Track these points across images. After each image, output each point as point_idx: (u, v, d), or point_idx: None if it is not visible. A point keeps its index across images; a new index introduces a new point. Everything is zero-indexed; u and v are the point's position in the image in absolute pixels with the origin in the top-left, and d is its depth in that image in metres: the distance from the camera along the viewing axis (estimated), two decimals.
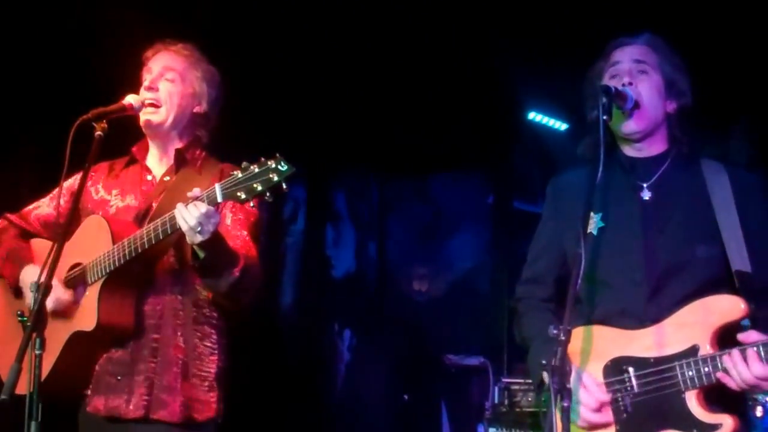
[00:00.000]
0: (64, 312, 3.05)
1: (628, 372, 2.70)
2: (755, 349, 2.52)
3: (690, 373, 2.60)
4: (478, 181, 7.45)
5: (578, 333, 2.75)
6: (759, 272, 2.70)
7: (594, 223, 2.84)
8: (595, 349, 2.76)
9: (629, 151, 2.91)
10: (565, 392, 2.39)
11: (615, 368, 2.72)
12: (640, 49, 2.90)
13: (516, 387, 5.19)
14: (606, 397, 2.71)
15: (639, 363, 2.69)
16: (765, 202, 2.81)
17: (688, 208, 2.81)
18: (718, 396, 2.62)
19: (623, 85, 2.81)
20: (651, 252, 2.77)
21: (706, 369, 2.58)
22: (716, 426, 2.58)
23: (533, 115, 6.68)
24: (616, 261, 2.80)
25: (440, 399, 6.93)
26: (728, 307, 2.62)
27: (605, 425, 2.71)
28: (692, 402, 2.61)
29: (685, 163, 2.87)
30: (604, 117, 2.69)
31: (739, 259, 2.71)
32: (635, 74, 2.85)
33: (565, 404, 2.38)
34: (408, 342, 7.13)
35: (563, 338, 2.44)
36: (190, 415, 3.01)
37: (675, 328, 2.67)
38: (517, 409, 5.15)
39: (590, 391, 2.70)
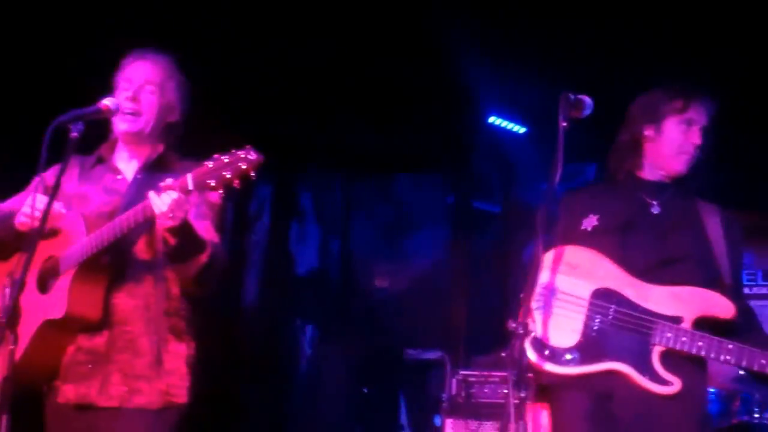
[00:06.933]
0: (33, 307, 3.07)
1: (613, 304, 3.02)
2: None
3: (669, 334, 2.97)
4: (439, 182, 7.56)
5: (584, 251, 3.11)
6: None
7: (591, 222, 3.19)
8: (594, 272, 3.09)
9: (646, 173, 3.27)
10: (522, 383, 2.54)
11: (604, 295, 3.05)
12: (709, 111, 3.24)
13: (473, 379, 5.23)
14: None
15: (628, 304, 3.04)
16: (741, 244, 3.24)
17: (689, 229, 3.18)
18: (677, 362, 2.97)
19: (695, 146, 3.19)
20: (654, 250, 3.13)
21: (684, 339, 2.96)
22: (668, 382, 2.94)
23: (493, 119, 6.77)
24: (621, 254, 3.11)
25: (399, 391, 7.05)
26: (722, 305, 3.03)
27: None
28: (655, 355, 2.97)
29: (684, 194, 3.25)
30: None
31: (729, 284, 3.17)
32: (700, 137, 3.20)
33: (522, 395, 2.54)
34: (369, 337, 7.21)
35: (521, 332, 2.60)
36: (168, 401, 3.09)
37: (670, 296, 3.04)
38: (473, 401, 5.21)
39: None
